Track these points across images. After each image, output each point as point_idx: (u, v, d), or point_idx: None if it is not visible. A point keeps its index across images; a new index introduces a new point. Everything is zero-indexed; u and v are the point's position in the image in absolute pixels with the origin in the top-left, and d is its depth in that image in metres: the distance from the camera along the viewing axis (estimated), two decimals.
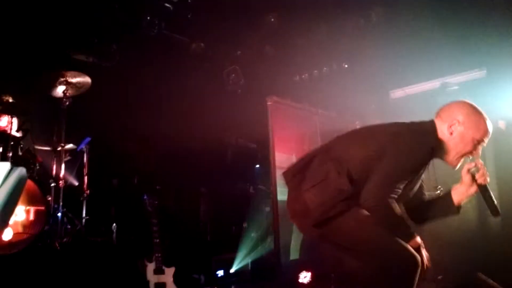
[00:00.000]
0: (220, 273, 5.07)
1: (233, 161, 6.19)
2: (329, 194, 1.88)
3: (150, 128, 5.26)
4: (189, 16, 4.94)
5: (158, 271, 3.55)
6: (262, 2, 4.83)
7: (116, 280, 3.37)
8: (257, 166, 6.13)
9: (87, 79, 4.11)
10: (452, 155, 1.97)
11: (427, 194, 2.17)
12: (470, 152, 1.95)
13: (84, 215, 4.13)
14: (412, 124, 2.02)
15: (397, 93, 4.85)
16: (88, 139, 4.31)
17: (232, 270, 5.15)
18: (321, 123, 5.20)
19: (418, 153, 1.91)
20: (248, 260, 5.24)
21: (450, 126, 1.95)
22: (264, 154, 5.20)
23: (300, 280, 4.17)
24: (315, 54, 5.30)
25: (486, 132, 1.96)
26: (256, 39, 5.40)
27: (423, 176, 2.07)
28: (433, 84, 4.71)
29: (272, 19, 5.18)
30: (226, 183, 6.04)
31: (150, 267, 3.53)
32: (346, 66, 5.04)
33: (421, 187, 2.11)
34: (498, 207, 1.92)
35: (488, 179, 1.94)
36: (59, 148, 4.00)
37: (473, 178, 1.94)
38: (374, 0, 4.82)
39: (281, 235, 4.48)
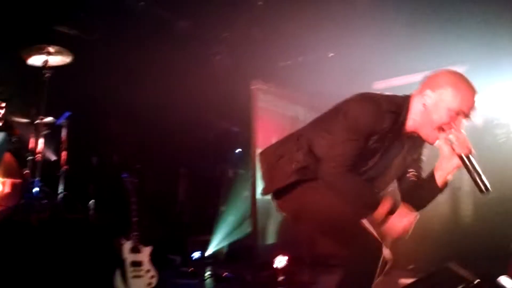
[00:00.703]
0: (196, 255, 5.11)
1: (215, 143, 6.19)
2: (286, 167, 1.90)
3: (132, 106, 5.19)
4: None
5: (135, 249, 3.54)
6: None
7: (92, 257, 3.35)
8: (238, 150, 6.15)
9: (69, 53, 4.01)
10: (427, 128, 1.80)
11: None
12: (448, 125, 1.75)
13: (61, 190, 4.07)
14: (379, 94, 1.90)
15: (380, 85, 4.91)
16: (68, 113, 4.23)
17: (208, 253, 5.19)
18: (304, 109, 5.24)
19: (368, 112, 1.77)
20: (225, 243, 5.29)
21: (423, 97, 1.80)
22: (245, 138, 5.21)
23: (276, 264, 4.23)
24: (301, 41, 5.30)
25: (466, 98, 1.76)
26: (243, 22, 5.35)
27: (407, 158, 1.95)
28: (416, 77, 4.78)
29: (260, 3, 5.14)
30: (206, 165, 6.04)
31: (127, 245, 3.52)
32: (331, 55, 5.05)
33: (415, 169, 1.98)
34: (487, 182, 1.71)
35: (473, 150, 1.74)
36: (38, 121, 3.91)
37: (453, 149, 1.74)
38: None
39: (259, 220, 4.53)
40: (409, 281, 3.37)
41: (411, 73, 4.70)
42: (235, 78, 5.49)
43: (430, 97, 1.79)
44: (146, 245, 3.60)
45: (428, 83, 1.84)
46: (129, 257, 3.47)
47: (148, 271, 3.50)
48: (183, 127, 5.59)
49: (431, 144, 1.85)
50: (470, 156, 1.73)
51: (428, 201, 1.94)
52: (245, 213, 5.30)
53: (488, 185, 1.72)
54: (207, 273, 4.38)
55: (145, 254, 3.56)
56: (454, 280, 2.00)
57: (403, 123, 1.83)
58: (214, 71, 5.69)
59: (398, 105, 1.84)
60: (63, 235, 3.45)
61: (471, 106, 1.78)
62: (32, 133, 3.92)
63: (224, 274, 4.31)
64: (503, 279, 2.19)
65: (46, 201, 3.85)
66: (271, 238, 4.78)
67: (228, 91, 5.27)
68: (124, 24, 4.94)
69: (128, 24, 4.94)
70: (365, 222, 1.82)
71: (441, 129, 1.77)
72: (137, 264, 3.48)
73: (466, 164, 1.73)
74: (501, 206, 4.09)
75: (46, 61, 3.94)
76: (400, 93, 1.94)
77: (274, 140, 4.79)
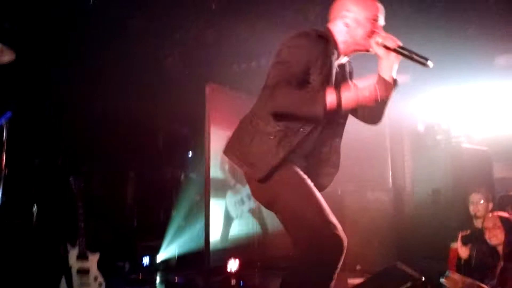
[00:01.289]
0: (146, 261, 4.99)
1: (165, 146, 6.09)
2: (265, 143, 1.89)
3: (77, 106, 4.99)
4: None
5: (82, 256, 3.41)
6: None
7: (36, 265, 3.19)
8: (190, 153, 6.09)
9: (10, 51, 3.79)
10: (358, 41, 2.01)
11: None
12: (373, 32, 1.98)
13: (0, 195, 3.83)
14: None
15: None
16: (9, 114, 3.99)
17: (158, 258, 5.09)
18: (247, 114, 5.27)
19: (297, 37, 1.93)
20: (176, 248, 5.21)
21: (343, 19, 2.00)
22: (198, 142, 5.17)
23: (228, 268, 4.23)
24: (255, 45, 5.35)
25: (375, 6, 2.02)
26: (196, 24, 5.31)
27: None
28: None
29: (214, 6, 5.13)
30: (156, 168, 5.93)
31: (73, 252, 3.39)
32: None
33: None
34: (423, 56, 1.89)
35: (398, 42, 1.94)
36: None
37: (386, 47, 1.94)
38: None
39: (211, 224, 4.51)
40: (357, 281, 3.50)
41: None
42: (187, 80, 5.44)
43: (348, 17, 2.00)
44: (93, 251, 3.48)
45: (338, 9, 2.05)
46: (75, 264, 3.34)
47: (95, 278, 3.38)
48: (133, 129, 5.45)
49: (368, 51, 2.03)
50: (400, 45, 1.94)
51: (386, 102, 2.07)
52: (196, 217, 5.25)
53: (427, 57, 1.90)
54: (158, 280, 4.30)
55: (92, 261, 3.45)
56: (401, 279, 2.09)
57: (333, 53, 1.99)
58: (166, 72, 5.60)
59: (324, 33, 2.00)
60: (3, 242, 3.25)
61: (381, 10, 2.03)
62: None
63: (175, 280, 4.25)
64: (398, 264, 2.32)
65: None
66: (223, 242, 4.78)
67: (181, 93, 5.21)
68: (72, 21, 4.74)
69: (77, 21, 4.75)
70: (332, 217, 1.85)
71: (369, 36, 1.98)
72: (84, 271, 3.36)
73: (401, 53, 1.93)
74: (442, 208, 4.34)
75: None
76: None
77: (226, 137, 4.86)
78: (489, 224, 3.12)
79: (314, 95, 1.81)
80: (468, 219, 3.63)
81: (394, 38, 1.95)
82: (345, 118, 2.14)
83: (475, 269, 3.20)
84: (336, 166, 2.13)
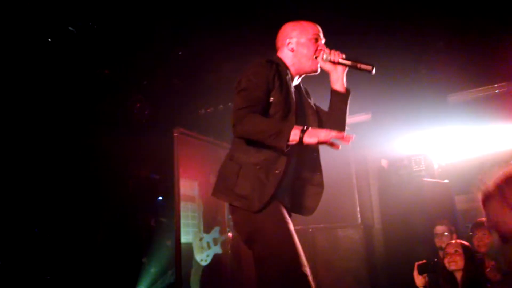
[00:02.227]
0: None
1: (135, 192, 6.02)
2: (253, 174, 1.94)
3: (46, 152, 4.93)
4: (93, 41, 4.82)
5: None
6: (170, 35, 4.92)
7: None
8: (160, 198, 6.04)
9: None
10: (306, 63, 2.14)
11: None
12: (316, 50, 2.14)
13: None
14: None
15: None
16: None
17: None
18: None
19: (251, 68, 2.03)
20: None
21: (288, 45, 2.15)
22: (167, 186, 5.16)
23: None
24: (221, 89, 5.48)
25: (313, 27, 2.18)
26: (163, 70, 5.43)
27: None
28: None
29: (180, 53, 5.28)
30: (126, 214, 5.83)
31: None
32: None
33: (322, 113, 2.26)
34: (368, 63, 2.04)
35: (342, 55, 2.12)
36: None
37: (331, 62, 2.12)
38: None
39: (184, 270, 4.44)
40: None
41: None
42: (155, 125, 5.48)
43: (291, 43, 2.16)
44: None
45: (282, 38, 2.20)
46: None
47: None
48: (102, 176, 5.39)
49: (316, 72, 2.18)
50: (343, 57, 2.12)
51: (344, 112, 2.21)
52: (168, 262, 5.16)
53: (372, 64, 2.05)
54: None
55: None
56: None
57: (287, 74, 2.10)
58: (134, 119, 5.64)
59: (275, 59, 2.14)
60: None
61: (319, 29, 2.19)
62: None
63: None
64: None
65: None
66: (195, 286, 4.69)
67: (149, 139, 5.24)
68: (42, 69, 4.77)
69: (47, 68, 4.78)
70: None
71: (314, 56, 2.14)
72: None
73: (347, 65, 2.11)
74: (410, 241, 4.44)
75: None
76: None
77: (196, 186, 4.87)
78: (451, 249, 3.19)
79: (280, 129, 1.85)
80: (435, 258, 3.69)
81: (337, 52, 2.13)
82: None
83: None
84: (321, 185, 2.18)
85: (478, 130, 4.86)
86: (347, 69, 2.15)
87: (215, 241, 5.01)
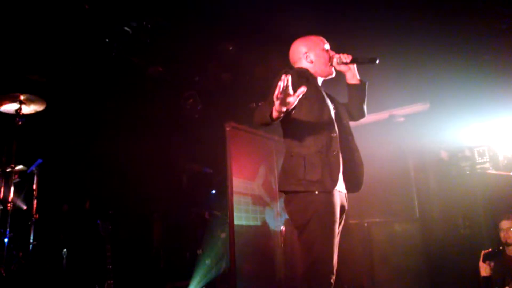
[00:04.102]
0: None
1: (188, 186, 6.16)
2: (319, 160, 2.22)
3: (104, 151, 5.16)
4: (148, 41, 4.97)
5: None
6: (221, 31, 4.96)
7: None
8: (213, 191, 6.14)
9: (41, 101, 4.01)
10: (325, 69, 2.50)
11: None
12: (330, 58, 2.49)
13: (32, 240, 3.94)
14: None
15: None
16: (40, 161, 4.17)
17: None
18: (276, 149, 5.34)
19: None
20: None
21: (306, 58, 2.50)
22: (220, 180, 5.23)
23: None
24: (271, 82, 5.46)
25: (321, 39, 2.55)
26: (214, 65, 5.50)
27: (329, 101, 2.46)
28: (382, 115, 5.00)
29: (231, 48, 5.32)
30: (181, 208, 5.98)
31: None
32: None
33: (346, 106, 2.59)
34: (370, 57, 2.39)
35: (349, 55, 2.46)
36: (9, 169, 3.83)
37: (344, 63, 2.47)
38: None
39: (238, 261, 4.48)
40: None
41: (376, 112, 4.91)
42: (208, 121, 5.57)
43: (309, 56, 2.51)
44: None
45: (297, 53, 2.54)
46: None
47: None
48: (157, 172, 5.56)
49: (332, 75, 2.54)
50: (353, 57, 2.47)
51: (363, 99, 2.59)
52: (222, 255, 5.23)
53: (375, 57, 2.40)
54: None
55: None
56: None
57: (314, 81, 2.46)
58: (187, 114, 5.76)
59: (301, 74, 2.42)
60: (35, 285, 3.31)
61: (325, 40, 2.56)
62: (2, 182, 3.83)
63: None
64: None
65: (15, 252, 3.72)
66: (249, 278, 4.72)
67: (202, 134, 5.32)
68: (96, 72, 4.99)
69: (101, 71, 4.99)
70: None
71: (329, 62, 2.50)
72: None
73: (357, 62, 2.49)
74: (472, 236, 4.23)
75: (19, 109, 3.92)
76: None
77: (248, 179, 4.90)
78: None
79: (262, 108, 2.13)
80: (500, 246, 3.53)
81: (346, 55, 2.48)
82: (345, 117, 2.51)
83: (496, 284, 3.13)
84: (362, 163, 2.44)
85: None
86: (355, 65, 2.53)
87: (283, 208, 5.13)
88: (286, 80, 1.93)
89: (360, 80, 2.55)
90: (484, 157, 4.58)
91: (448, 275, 4.19)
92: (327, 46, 2.54)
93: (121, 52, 4.97)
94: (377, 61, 2.39)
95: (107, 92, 5.14)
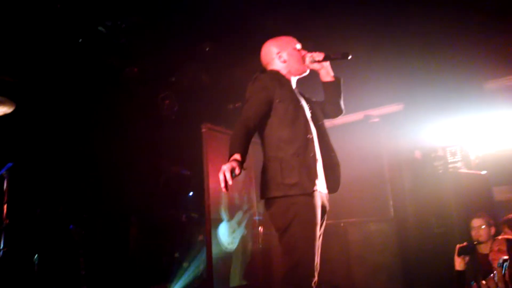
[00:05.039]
0: None
1: (166, 188, 6.10)
2: (296, 162, 2.21)
3: (78, 154, 5.05)
4: (123, 41, 4.89)
5: None
6: (198, 31, 4.93)
7: None
8: (190, 193, 6.09)
9: (10, 102, 3.90)
10: (298, 68, 2.51)
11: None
12: (303, 57, 2.50)
13: (2, 246, 3.82)
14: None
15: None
16: (10, 164, 4.04)
17: None
18: (253, 150, 5.33)
19: (258, 84, 2.37)
20: None
21: (279, 58, 2.50)
22: (197, 181, 5.19)
23: None
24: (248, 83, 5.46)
25: (292, 39, 2.56)
26: (191, 66, 5.46)
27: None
28: (357, 116, 5.06)
29: (208, 48, 5.29)
30: (158, 211, 5.91)
31: None
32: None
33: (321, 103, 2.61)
34: (342, 52, 2.42)
35: (322, 53, 2.48)
36: None
37: (317, 61, 2.47)
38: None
39: (216, 263, 4.46)
40: None
41: (351, 113, 4.96)
42: (184, 122, 5.52)
43: (282, 56, 2.50)
44: None
45: (269, 54, 2.54)
46: None
47: None
48: (133, 174, 5.48)
49: (306, 73, 2.55)
50: (325, 54, 2.47)
51: (339, 96, 2.59)
52: (200, 257, 5.20)
53: (347, 52, 2.41)
54: None
55: None
56: None
57: (288, 83, 2.47)
58: (163, 115, 5.69)
59: (273, 77, 2.44)
60: None
61: (296, 39, 2.56)
62: None
63: None
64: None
65: None
66: (234, 280, 4.71)
67: (178, 135, 5.27)
68: (69, 72, 4.88)
69: (74, 72, 4.89)
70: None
71: (302, 61, 2.51)
72: None
73: (329, 59, 2.48)
74: (445, 235, 4.31)
75: None
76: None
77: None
78: (495, 247, 3.13)
79: (231, 150, 2.16)
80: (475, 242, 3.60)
81: (318, 53, 2.49)
82: (320, 118, 2.52)
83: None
84: (339, 163, 2.44)
85: None
86: (329, 62, 2.52)
87: (239, 223, 5.04)
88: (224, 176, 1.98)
89: (335, 77, 2.56)
90: (456, 157, 4.69)
91: (423, 273, 4.26)
92: (298, 45, 2.54)
93: (95, 52, 4.88)
94: (350, 57, 2.40)
95: (81, 93, 5.03)
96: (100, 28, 4.68)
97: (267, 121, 2.28)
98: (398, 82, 4.88)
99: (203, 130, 4.68)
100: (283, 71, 2.49)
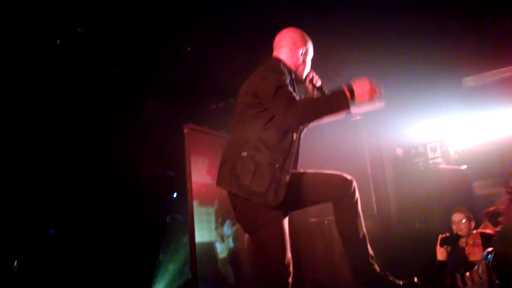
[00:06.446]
0: None
1: (149, 189, 6.04)
2: (271, 171, 2.10)
3: (60, 156, 4.97)
4: (102, 41, 4.83)
5: None
6: (180, 31, 4.89)
7: None
8: (174, 195, 6.05)
9: None
10: (303, 75, 2.38)
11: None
12: (310, 71, 2.41)
13: None
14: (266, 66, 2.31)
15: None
16: None
17: None
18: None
19: (279, 70, 2.22)
20: None
21: (299, 54, 2.33)
22: (181, 182, 5.16)
23: None
24: (232, 83, 5.43)
25: (312, 49, 2.42)
26: (172, 67, 5.42)
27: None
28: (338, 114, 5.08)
29: (189, 48, 5.25)
30: (142, 212, 5.86)
31: None
32: None
33: None
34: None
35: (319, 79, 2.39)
36: None
37: (313, 84, 2.37)
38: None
39: (200, 266, 4.43)
40: None
41: None
42: (166, 123, 5.48)
43: (302, 55, 2.34)
44: None
45: (292, 41, 2.35)
46: None
47: None
48: (116, 177, 5.43)
49: (299, 84, 2.40)
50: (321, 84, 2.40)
51: None
52: (184, 259, 5.17)
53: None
54: None
55: None
56: None
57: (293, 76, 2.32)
58: (145, 116, 5.64)
59: (286, 65, 2.31)
60: None
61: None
62: None
63: None
64: None
65: None
66: (212, 284, 4.69)
67: (161, 136, 5.24)
68: (50, 73, 4.80)
69: (56, 72, 4.80)
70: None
71: (305, 73, 2.39)
72: None
73: (320, 91, 2.36)
74: (428, 230, 4.38)
75: None
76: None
77: (209, 181, 4.85)
78: (470, 241, 3.19)
79: (337, 97, 2.13)
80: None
81: (318, 77, 2.40)
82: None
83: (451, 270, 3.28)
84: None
85: (494, 113, 4.75)
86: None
87: (226, 236, 5.01)
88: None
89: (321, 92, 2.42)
90: (436, 153, 4.75)
91: (405, 268, 4.31)
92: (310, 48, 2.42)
93: (75, 54, 4.80)
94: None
95: (61, 95, 4.95)
96: (79, 29, 4.61)
97: (259, 113, 2.16)
98: (379, 80, 4.92)
99: (185, 130, 4.65)
100: (293, 67, 2.32)
